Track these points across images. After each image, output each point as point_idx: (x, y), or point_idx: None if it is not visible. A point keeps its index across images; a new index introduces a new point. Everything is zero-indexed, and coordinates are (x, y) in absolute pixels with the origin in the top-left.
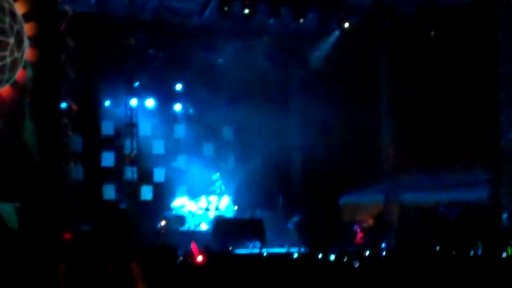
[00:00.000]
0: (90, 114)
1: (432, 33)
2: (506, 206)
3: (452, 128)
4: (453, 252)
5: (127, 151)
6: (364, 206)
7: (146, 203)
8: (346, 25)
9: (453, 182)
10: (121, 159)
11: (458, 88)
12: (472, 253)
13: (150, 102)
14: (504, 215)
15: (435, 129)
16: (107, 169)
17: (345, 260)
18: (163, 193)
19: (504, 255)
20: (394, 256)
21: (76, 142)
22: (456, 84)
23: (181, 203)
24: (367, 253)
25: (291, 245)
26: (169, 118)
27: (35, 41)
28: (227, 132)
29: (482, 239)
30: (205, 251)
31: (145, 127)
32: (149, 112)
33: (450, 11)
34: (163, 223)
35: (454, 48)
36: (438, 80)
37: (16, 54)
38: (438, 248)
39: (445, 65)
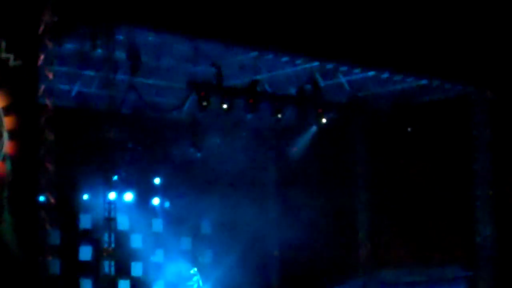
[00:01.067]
0: (68, 208)
1: (409, 128)
2: None
3: (430, 224)
4: None
5: (104, 245)
6: None
7: None
8: (324, 120)
9: (430, 278)
10: (98, 253)
11: (435, 184)
12: None
13: (128, 196)
14: None
15: (412, 225)
16: (84, 263)
17: None
18: None
19: None
20: None
21: (54, 235)
22: (433, 180)
23: None
24: None
25: None
26: (147, 212)
27: (14, 134)
28: (205, 226)
29: None
30: None
31: (123, 221)
32: (128, 206)
33: (425, 107)
34: None
35: (431, 144)
36: (414, 175)
37: None
38: None
39: (421, 161)
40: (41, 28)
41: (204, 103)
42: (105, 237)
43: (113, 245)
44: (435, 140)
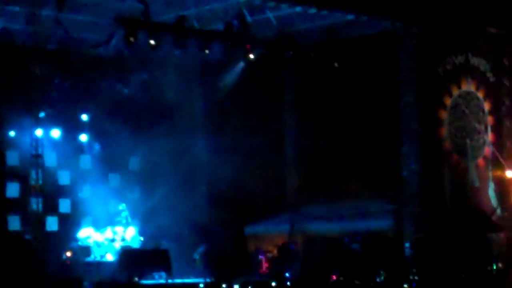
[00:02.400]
0: None
1: (336, 64)
2: (409, 236)
3: (356, 159)
4: (356, 282)
5: (32, 182)
6: (269, 236)
7: (51, 234)
8: (251, 56)
9: (357, 212)
10: (26, 190)
11: (362, 119)
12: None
13: (55, 133)
14: (407, 245)
15: (339, 160)
16: (12, 200)
17: None
18: (68, 224)
19: (405, 286)
20: (298, 285)
21: None
22: (359, 115)
23: (86, 234)
24: (273, 283)
25: (197, 275)
26: (74, 149)
27: None
28: (134, 163)
29: (385, 268)
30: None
31: (50, 158)
32: (55, 143)
33: (352, 42)
34: (68, 254)
35: (357, 79)
36: (341, 110)
37: None
38: (341, 278)
39: (348, 95)
40: None
41: (131, 39)
42: (33, 174)
43: (40, 182)
44: (362, 75)
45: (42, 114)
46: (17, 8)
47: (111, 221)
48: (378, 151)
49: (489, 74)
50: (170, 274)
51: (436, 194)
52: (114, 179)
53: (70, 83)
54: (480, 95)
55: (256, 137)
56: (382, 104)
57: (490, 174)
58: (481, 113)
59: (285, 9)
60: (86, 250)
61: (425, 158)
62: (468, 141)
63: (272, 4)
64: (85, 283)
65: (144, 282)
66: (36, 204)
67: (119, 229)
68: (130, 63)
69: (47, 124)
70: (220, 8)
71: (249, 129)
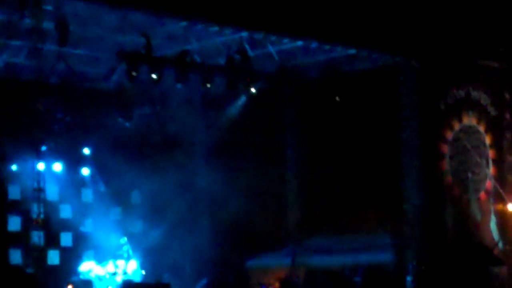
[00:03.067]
0: None
1: (337, 98)
2: (410, 269)
3: (358, 193)
4: None
5: (34, 216)
6: (270, 269)
7: (53, 267)
8: (253, 90)
9: (358, 246)
10: (27, 224)
11: (364, 153)
12: None
13: (57, 167)
14: (408, 278)
15: (341, 193)
16: (13, 233)
17: None
18: (70, 258)
19: None
20: None
21: None
22: (361, 149)
23: (88, 268)
24: None
25: None
26: (76, 183)
27: None
28: (135, 196)
29: None
30: None
31: (52, 192)
32: (57, 177)
33: (353, 76)
34: None
35: (359, 113)
36: (343, 144)
37: None
38: None
39: (350, 129)
40: None
41: (133, 73)
42: (34, 208)
43: (42, 216)
44: (363, 109)
45: (44, 148)
46: (19, 43)
47: (113, 255)
48: (379, 185)
49: (490, 108)
50: None
51: (437, 227)
52: (116, 212)
53: (72, 117)
54: (481, 129)
55: (259, 171)
56: (384, 138)
57: (492, 207)
58: (482, 147)
59: (287, 43)
60: (88, 284)
61: (426, 192)
62: (469, 175)
63: (273, 38)
64: None
65: None
66: (37, 237)
67: (120, 262)
68: (132, 97)
69: (49, 158)
70: (221, 42)
71: (251, 163)
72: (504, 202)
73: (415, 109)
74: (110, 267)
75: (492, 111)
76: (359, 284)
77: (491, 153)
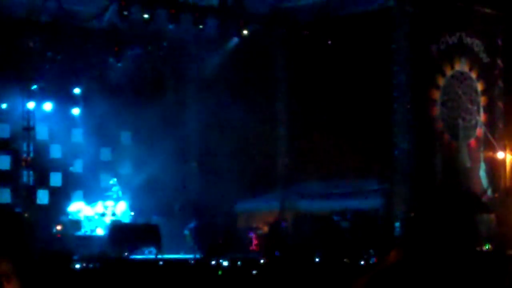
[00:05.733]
0: None
1: (329, 41)
2: (399, 215)
3: (347, 137)
4: (346, 260)
5: (23, 155)
6: (259, 213)
7: (42, 207)
8: (245, 32)
9: (347, 191)
10: (17, 163)
11: (354, 97)
12: (364, 261)
13: (48, 106)
14: (397, 224)
15: (330, 137)
16: (2, 172)
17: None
18: (59, 198)
19: None
20: (279, 264)
21: None
22: (352, 93)
23: (77, 208)
24: (261, 260)
25: (186, 251)
26: (67, 122)
27: None
28: (125, 137)
29: (375, 247)
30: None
31: (42, 131)
32: (47, 116)
33: (346, 20)
34: (59, 227)
35: (351, 57)
36: (334, 88)
37: None
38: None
39: (341, 73)
40: None
41: (125, 13)
42: (24, 147)
43: (32, 155)
44: (355, 54)
45: (34, 87)
46: None
47: (102, 196)
48: (369, 130)
49: (482, 55)
50: (160, 250)
51: (426, 174)
52: (106, 153)
53: (63, 56)
54: (473, 75)
55: (248, 114)
56: (375, 83)
57: (482, 155)
58: (474, 94)
59: None
60: (77, 224)
61: (416, 138)
62: (460, 121)
63: None
64: (75, 257)
65: (134, 257)
66: (27, 177)
67: (109, 203)
68: (123, 37)
69: (39, 97)
70: None
71: (241, 105)
72: (494, 149)
73: (407, 54)
74: (99, 207)
75: (484, 57)
76: (347, 229)
77: (482, 100)
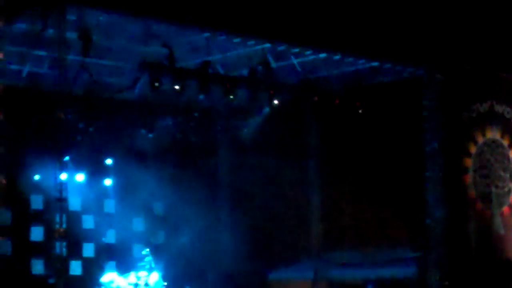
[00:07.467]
0: (19, 188)
1: (360, 110)
2: (433, 283)
3: (381, 206)
4: None
5: (56, 226)
6: (293, 282)
7: (75, 278)
8: (275, 102)
9: (381, 260)
10: (50, 234)
11: (386, 166)
12: None
13: (80, 177)
14: None
15: (363, 206)
16: (36, 243)
17: None
18: (92, 269)
19: None
20: None
21: (5, 215)
22: (384, 162)
23: (110, 279)
24: None
25: None
26: (99, 193)
27: None
28: (157, 207)
29: None
30: None
31: (75, 202)
32: (79, 187)
33: (377, 89)
34: None
35: (382, 126)
36: (366, 156)
37: None
38: None
39: (373, 142)
40: None
41: (156, 84)
42: (57, 218)
43: (64, 226)
44: (386, 122)
45: (66, 158)
46: (43, 53)
47: (135, 266)
48: (402, 198)
49: None
50: None
51: (460, 242)
52: (138, 223)
53: (95, 127)
54: (505, 143)
55: (281, 184)
56: (407, 151)
57: None
58: (506, 161)
59: (309, 55)
60: None
61: (449, 206)
62: (493, 188)
63: (296, 50)
64: None
65: None
66: (60, 248)
67: (142, 274)
68: (154, 107)
69: (71, 168)
70: (244, 54)
71: (273, 177)
72: None
73: (439, 122)
74: (132, 278)
75: None
76: None
77: None
